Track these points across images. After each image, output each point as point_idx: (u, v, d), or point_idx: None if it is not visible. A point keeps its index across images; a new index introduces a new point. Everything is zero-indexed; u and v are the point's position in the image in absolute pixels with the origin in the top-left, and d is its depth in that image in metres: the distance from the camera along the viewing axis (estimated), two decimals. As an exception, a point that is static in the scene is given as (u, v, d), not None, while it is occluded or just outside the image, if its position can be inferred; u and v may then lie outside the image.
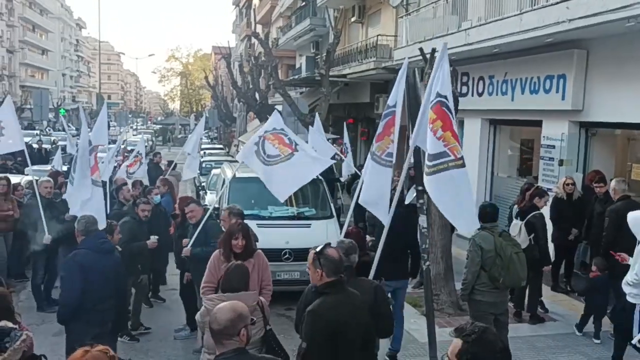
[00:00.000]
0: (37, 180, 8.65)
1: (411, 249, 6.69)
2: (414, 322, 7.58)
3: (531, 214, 7.80)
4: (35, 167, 9.80)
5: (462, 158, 4.52)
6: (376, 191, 5.40)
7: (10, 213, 9.05)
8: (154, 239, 7.43)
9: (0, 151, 9.03)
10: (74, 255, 5.25)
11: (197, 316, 4.59)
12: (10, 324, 2.96)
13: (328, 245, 4.12)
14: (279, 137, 6.86)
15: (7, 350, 2.71)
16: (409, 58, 6.97)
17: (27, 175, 12.38)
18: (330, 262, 3.92)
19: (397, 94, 5.33)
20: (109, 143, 12.31)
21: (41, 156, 20.96)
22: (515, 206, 8.68)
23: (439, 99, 4.56)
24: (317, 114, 14.91)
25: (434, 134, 4.50)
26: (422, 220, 5.37)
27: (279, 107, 20.37)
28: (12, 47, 62.42)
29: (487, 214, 6.12)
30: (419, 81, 6.14)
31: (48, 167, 13.66)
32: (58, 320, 5.27)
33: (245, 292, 4.36)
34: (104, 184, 10.45)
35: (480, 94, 12.85)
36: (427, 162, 4.62)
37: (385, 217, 5.35)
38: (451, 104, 4.62)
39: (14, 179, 10.74)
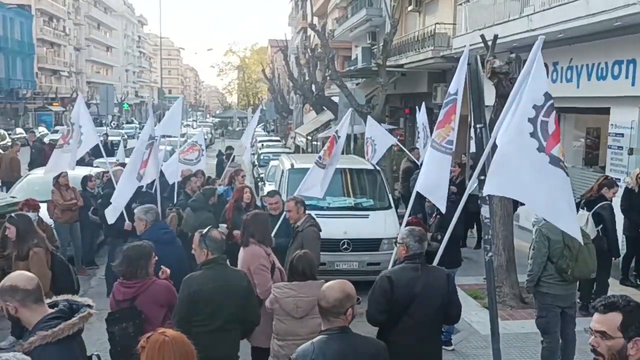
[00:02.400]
0: (113, 171, 9.10)
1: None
2: (475, 315, 7.48)
3: (599, 205, 7.52)
4: (103, 160, 10.24)
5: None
6: (435, 178, 5.34)
7: (74, 202, 9.44)
8: (223, 227, 7.55)
9: (84, 150, 9.52)
10: None
11: (267, 303, 4.67)
12: (77, 299, 3.12)
13: (212, 228, 4.62)
14: (332, 143, 7.03)
15: (61, 325, 2.85)
16: (469, 46, 6.84)
17: (97, 167, 12.95)
18: (214, 242, 4.43)
19: (459, 82, 5.24)
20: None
21: (107, 150, 21.81)
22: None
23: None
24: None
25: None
26: (485, 210, 5.26)
27: (336, 99, 20.37)
28: (79, 44, 65.09)
29: None
30: (481, 69, 6.03)
31: (114, 160, 14.19)
32: None
33: (313, 281, 4.44)
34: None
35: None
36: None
37: (442, 205, 5.30)
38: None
39: (85, 171, 11.25)
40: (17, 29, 49.53)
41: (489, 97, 6.45)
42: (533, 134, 4.29)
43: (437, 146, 5.32)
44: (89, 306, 3.03)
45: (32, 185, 11.07)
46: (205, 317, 4.25)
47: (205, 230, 4.50)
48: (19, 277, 3.04)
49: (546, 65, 12.58)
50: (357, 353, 3.16)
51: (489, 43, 7.85)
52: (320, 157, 7.19)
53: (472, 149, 7.37)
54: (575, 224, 4.43)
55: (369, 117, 12.63)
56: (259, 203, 10.55)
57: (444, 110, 5.33)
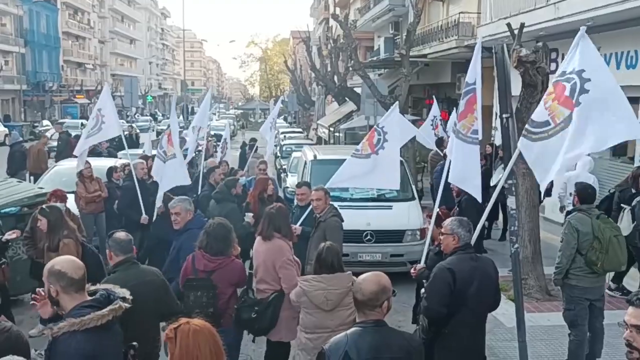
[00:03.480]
0: (133, 163, 9.13)
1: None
2: (500, 307, 7.38)
3: (637, 199, 7.34)
4: (127, 151, 10.35)
5: (562, 122, 4.25)
6: (465, 168, 5.31)
7: (98, 193, 9.51)
8: (249, 216, 7.63)
9: (103, 138, 9.52)
10: (191, 235, 5.28)
11: (292, 296, 4.66)
12: (116, 289, 3.15)
13: (117, 230, 4.50)
14: (372, 134, 6.99)
15: (91, 314, 2.90)
16: (493, 35, 6.79)
17: (121, 158, 13.09)
18: (117, 243, 4.23)
19: (475, 72, 5.22)
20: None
21: (132, 141, 22.04)
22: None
23: (567, 76, 4.38)
24: (397, 102, 14.73)
25: (544, 104, 4.35)
26: (511, 201, 5.20)
27: (358, 90, 20.29)
28: (103, 37, 65.79)
29: (589, 195, 5.87)
30: (508, 58, 5.93)
31: (139, 151, 14.34)
32: None
33: (341, 273, 4.41)
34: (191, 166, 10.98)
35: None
36: (528, 127, 4.44)
37: (478, 193, 5.25)
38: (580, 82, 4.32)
39: (110, 162, 11.37)
40: (43, 22, 50.28)
41: (516, 86, 6.35)
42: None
43: (463, 137, 5.27)
44: (125, 299, 3.06)
45: (59, 176, 11.21)
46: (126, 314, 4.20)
47: (111, 232, 4.45)
48: (69, 264, 3.08)
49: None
50: (391, 347, 3.13)
51: (515, 32, 7.72)
52: (357, 150, 7.15)
53: (497, 138, 7.29)
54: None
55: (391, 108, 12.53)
56: (281, 194, 10.57)
57: (464, 100, 5.30)
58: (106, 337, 2.97)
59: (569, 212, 6.38)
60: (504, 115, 5.17)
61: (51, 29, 51.69)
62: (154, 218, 8.13)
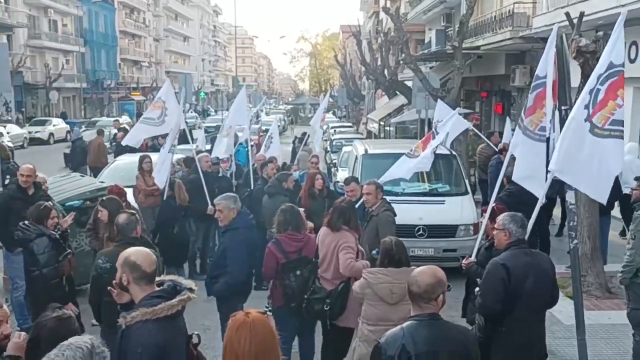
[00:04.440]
0: (198, 157, 9.46)
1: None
2: (558, 304, 7.20)
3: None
4: (181, 147, 10.58)
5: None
6: (530, 166, 5.19)
7: (156, 187, 9.75)
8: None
9: (164, 131, 9.74)
10: (235, 234, 5.48)
11: (356, 287, 4.71)
12: (181, 281, 3.26)
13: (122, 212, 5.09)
14: (428, 138, 7.03)
15: (162, 304, 3.02)
16: (549, 25, 6.57)
17: (176, 154, 13.39)
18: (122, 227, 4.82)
19: (547, 64, 5.02)
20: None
21: (185, 136, 22.52)
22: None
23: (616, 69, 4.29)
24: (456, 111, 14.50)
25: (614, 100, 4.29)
26: (570, 196, 5.08)
27: (409, 83, 20.08)
28: (158, 35, 67.47)
29: None
30: (567, 49, 5.76)
31: (193, 147, 14.65)
32: (216, 292, 5.56)
33: (407, 268, 4.40)
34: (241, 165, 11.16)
35: (632, 61, 11.72)
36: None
37: (540, 192, 5.14)
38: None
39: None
40: (101, 22, 52.08)
41: (575, 77, 6.15)
42: (587, 105, 4.44)
43: (530, 134, 5.13)
44: (191, 290, 3.16)
45: (118, 171, 11.57)
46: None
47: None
48: (144, 257, 3.20)
49: (634, 43, 11.94)
50: (448, 340, 3.13)
51: (574, 21, 7.47)
52: (412, 150, 7.20)
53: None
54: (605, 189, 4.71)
55: (439, 100, 12.37)
56: (332, 189, 10.59)
57: (533, 94, 5.13)
58: (174, 327, 3.08)
59: (633, 209, 6.10)
60: (562, 108, 5.03)
61: (109, 28, 53.46)
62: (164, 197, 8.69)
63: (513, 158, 5.60)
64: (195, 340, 3.27)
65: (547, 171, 4.90)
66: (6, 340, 3.05)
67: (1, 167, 9.53)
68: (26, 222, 5.68)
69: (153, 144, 15.79)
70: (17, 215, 6.56)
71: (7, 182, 9.01)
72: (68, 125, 32.93)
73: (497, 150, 11.32)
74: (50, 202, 6.27)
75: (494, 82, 21.12)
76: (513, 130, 7.95)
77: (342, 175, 13.48)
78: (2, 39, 35.18)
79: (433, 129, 7.25)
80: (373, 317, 4.50)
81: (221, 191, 7.77)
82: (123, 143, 11.28)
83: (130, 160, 11.20)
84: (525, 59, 17.89)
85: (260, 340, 2.60)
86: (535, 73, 5.21)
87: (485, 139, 12.81)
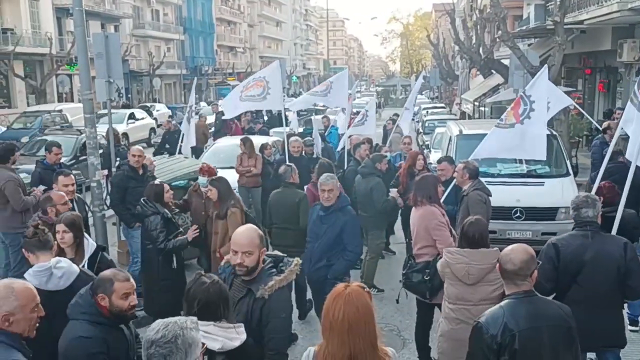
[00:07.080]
0: (289, 141, 9.72)
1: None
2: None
3: None
4: (276, 129, 10.90)
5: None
6: None
7: (249, 169, 10.03)
8: (393, 192, 7.72)
9: (265, 107, 10.05)
10: (345, 212, 5.72)
11: (438, 266, 4.73)
12: (279, 253, 3.62)
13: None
14: (518, 103, 6.74)
15: (285, 272, 3.41)
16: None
17: (272, 136, 13.84)
18: None
19: None
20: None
21: (280, 119, 23.08)
22: None
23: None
24: (545, 65, 13.85)
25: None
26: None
27: (505, 61, 19.37)
28: (252, 21, 69.08)
29: None
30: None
31: (287, 129, 15.04)
32: (336, 274, 5.45)
33: (486, 249, 4.35)
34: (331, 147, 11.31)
35: None
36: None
37: None
38: None
39: (263, 139, 12.08)
40: (199, 10, 54.15)
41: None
42: None
43: None
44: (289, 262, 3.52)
45: (218, 153, 12.12)
46: None
47: None
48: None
49: None
50: (547, 315, 3.17)
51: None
52: (501, 119, 6.96)
53: None
54: None
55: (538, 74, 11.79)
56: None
57: None
58: None
59: None
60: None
61: (206, 16, 55.47)
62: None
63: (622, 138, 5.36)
64: None
65: None
66: (132, 310, 3.25)
67: (114, 150, 10.23)
68: (143, 199, 6.15)
69: (250, 127, 16.39)
70: (131, 193, 7.14)
71: (117, 164, 9.68)
72: (170, 110, 34.69)
73: (599, 129, 10.75)
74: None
75: (598, 58, 19.90)
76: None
77: (434, 156, 13.32)
78: (110, 29, 37.56)
79: (522, 94, 6.87)
80: (452, 296, 4.49)
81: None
82: (224, 118, 11.66)
83: (229, 142, 11.70)
84: (634, 32, 16.71)
85: (354, 311, 2.62)
86: None
87: (588, 116, 12.18)
